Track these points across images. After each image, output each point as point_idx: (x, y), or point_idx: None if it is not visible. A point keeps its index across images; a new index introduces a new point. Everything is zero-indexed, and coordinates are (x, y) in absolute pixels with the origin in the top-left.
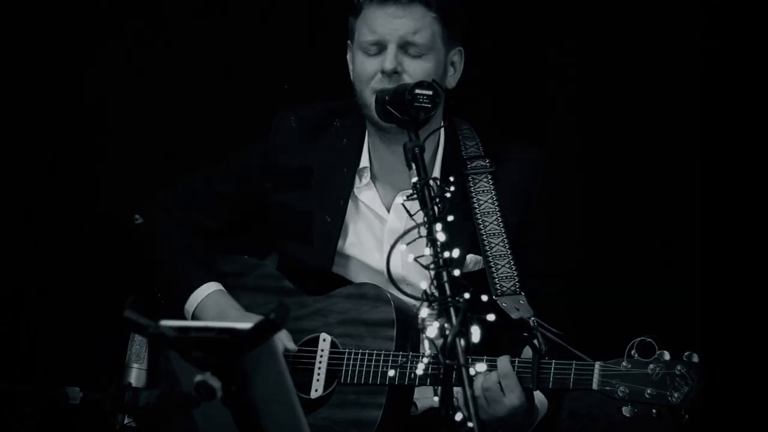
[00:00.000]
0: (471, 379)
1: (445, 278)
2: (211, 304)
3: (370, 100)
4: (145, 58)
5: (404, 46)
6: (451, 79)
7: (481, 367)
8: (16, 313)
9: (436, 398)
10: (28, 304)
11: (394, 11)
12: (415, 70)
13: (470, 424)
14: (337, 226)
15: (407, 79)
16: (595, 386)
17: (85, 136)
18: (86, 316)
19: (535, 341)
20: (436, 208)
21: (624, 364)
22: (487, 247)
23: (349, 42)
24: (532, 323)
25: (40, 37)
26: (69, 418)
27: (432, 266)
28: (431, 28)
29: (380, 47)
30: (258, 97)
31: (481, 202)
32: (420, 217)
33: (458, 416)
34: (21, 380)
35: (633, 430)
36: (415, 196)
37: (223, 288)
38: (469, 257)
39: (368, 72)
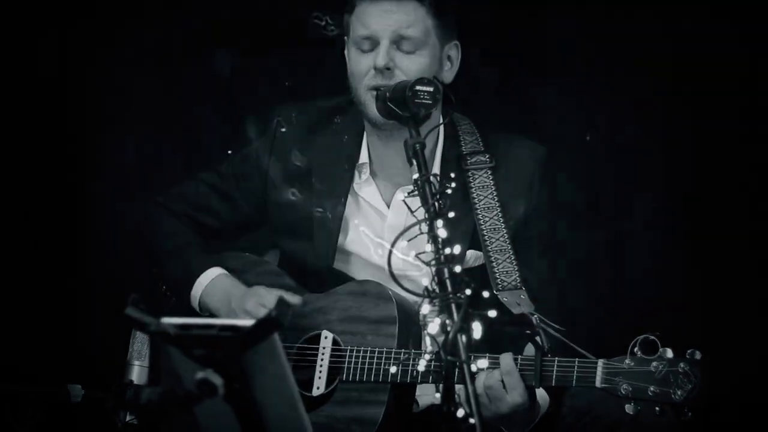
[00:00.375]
0: (473, 375)
1: (446, 274)
2: (216, 288)
3: (365, 96)
4: (146, 58)
5: (397, 42)
6: (448, 74)
7: (482, 363)
8: (17, 311)
9: (438, 395)
10: (28, 302)
11: (387, 6)
12: (409, 66)
13: (472, 421)
14: (337, 222)
15: (400, 75)
16: (598, 383)
17: (85, 135)
18: (87, 313)
19: (538, 338)
20: (436, 205)
21: (627, 361)
22: (487, 242)
23: (345, 38)
24: (534, 320)
25: (38, 36)
26: (71, 416)
27: (433, 262)
28: (424, 23)
29: (373, 43)
30: (258, 96)
31: (481, 197)
32: (421, 213)
33: (460, 413)
34: (22, 379)
35: (635, 428)
36: (416, 192)
37: (226, 271)
38: (469, 253)
39: (362, 69)
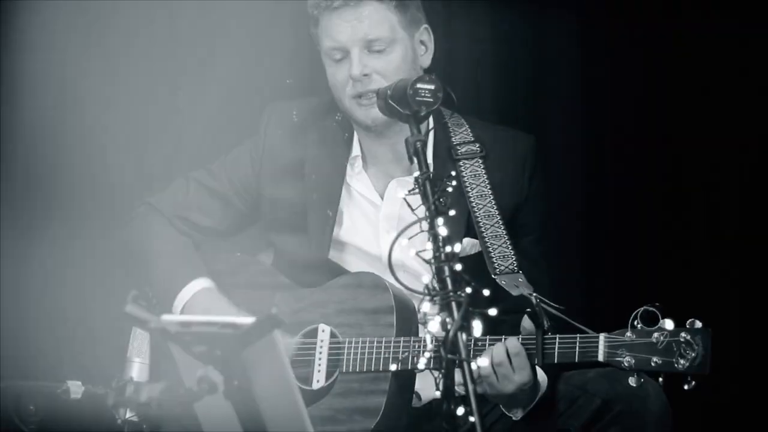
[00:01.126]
0: (473, 373)
1: (447, 272)
2: (197, 302)
3: (350, 104)
4: (144, 58)
5: (367, 46)
6: (425, 59)
7: (482, 361)
8: (17, 308)
9: (438, 393)
10: (28, 298)
11: (348, 15)
12: (384, 66)
13: (472, 419)
14: (332, 214)
15: (377, 78)
16: (600, 357)
17: (84, 134)
18: (88, 310)
19: (537, 315)
20: (437, 203)
21: (628, 334)
22: (482, 229)
23: (318, 47)
24: (534, 299)
25: (39, 35)
26: (71, 413)
27: (433, 260)
28: (388, 20)
29: (344, 52)
30: (258, 94)
31: (474, 185)
32: (421, 211)
33: (460, 411)
34: (23, 376)
35: (627, 403)
36: (416, 190)
37: (212, 285)
38: (465, 241)
39: (339, 80)
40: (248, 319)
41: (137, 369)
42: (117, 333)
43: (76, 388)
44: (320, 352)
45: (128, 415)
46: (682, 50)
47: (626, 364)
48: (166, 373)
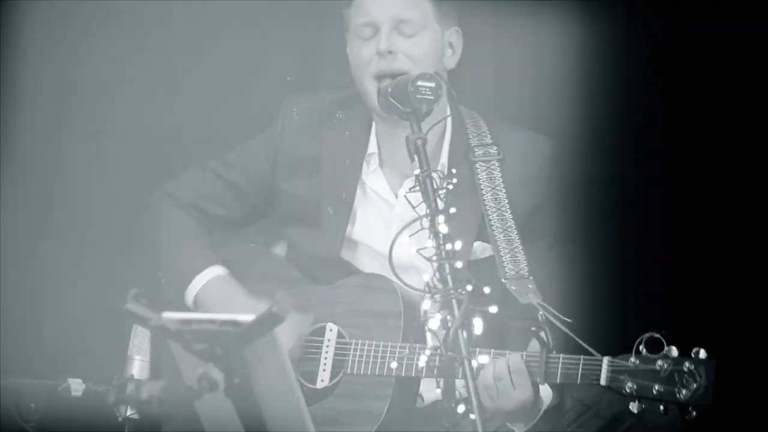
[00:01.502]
0: (473, 370)
1: (448, 270)
2: (214, 289)
3: (369, 85)
4: (148, 53)
5: (397, 26)
6: (451, 60)
7: (483, 359)
8: (18, 307)
9: (439, 390)
10: (29, 296)
11: None
12: (411, 49)
13: (472, 417)
14: (345, 213)
15: (403, 58)
16: (603, 381)
17: (84, 133)
18: (88, 308)
19: (543, 335)
20: (438, 200)
21: (632, 360)
22: (495, 233)
23: (346, 34)
24: (540, 316)
25: (38, 35)
26: (71, 411)
27: (435, 258)
28: (422, 7)
29: (374, 29)
30: (261, 90)
31: (489, 189)
32: (423, 208)
33: (460, 409)
34: (24, 374)
35: (637, 421)
36: (417, 188)
37: (226, 273)
38: (476, 245)
39: (365, 56)
40: (249, 317)
41: (138, 367)
42: (117, 331)
43: (76, 386)
44: (326, 351)
45: (129, 412)
46: (682, 50)
47: (628, 390)
48: (166, 371)
